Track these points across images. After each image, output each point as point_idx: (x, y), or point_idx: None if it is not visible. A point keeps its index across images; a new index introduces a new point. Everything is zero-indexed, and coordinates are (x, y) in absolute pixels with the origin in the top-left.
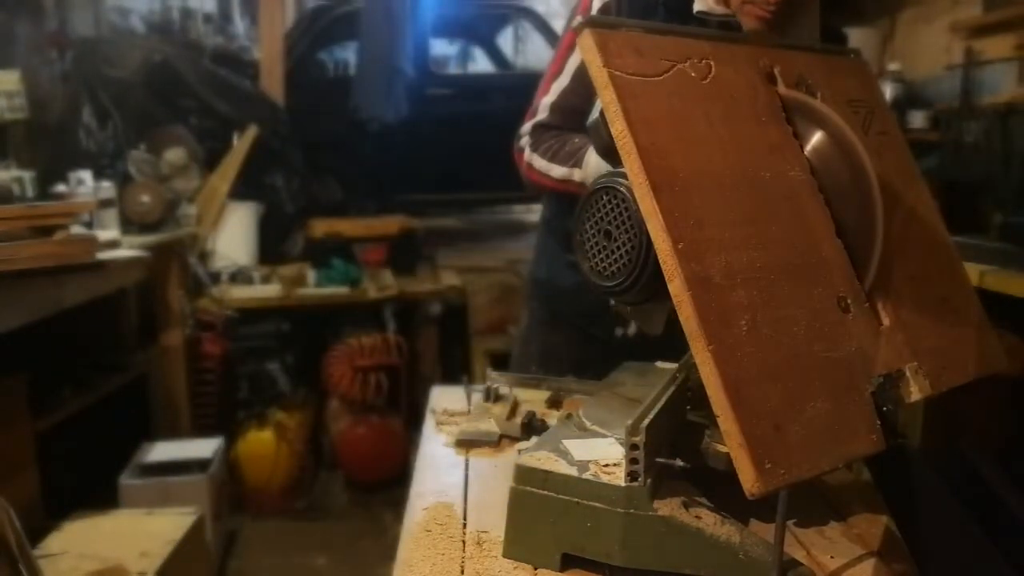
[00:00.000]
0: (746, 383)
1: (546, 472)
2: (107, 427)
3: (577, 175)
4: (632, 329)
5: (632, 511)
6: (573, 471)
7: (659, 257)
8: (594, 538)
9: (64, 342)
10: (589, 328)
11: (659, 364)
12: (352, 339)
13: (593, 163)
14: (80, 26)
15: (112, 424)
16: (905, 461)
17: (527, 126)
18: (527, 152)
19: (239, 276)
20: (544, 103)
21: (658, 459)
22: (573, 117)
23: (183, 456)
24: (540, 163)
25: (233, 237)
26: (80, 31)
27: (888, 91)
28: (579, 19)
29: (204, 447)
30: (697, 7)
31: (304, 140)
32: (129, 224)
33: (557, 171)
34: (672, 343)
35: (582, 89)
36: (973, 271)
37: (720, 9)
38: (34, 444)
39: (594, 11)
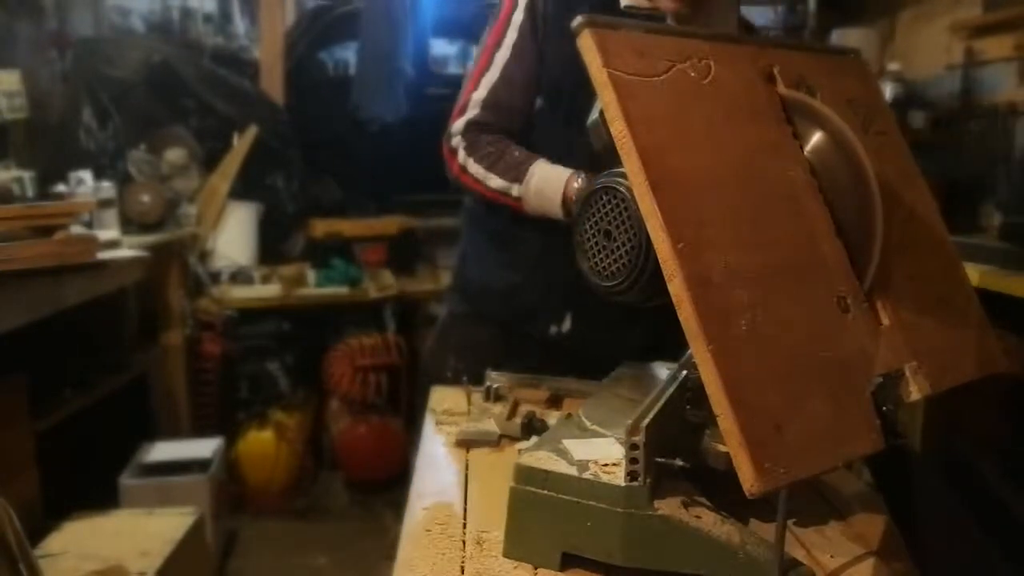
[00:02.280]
0: (746, 383)
1: (546, 472)
2: (107, 427)
3: (516, 191)
4: (567, 326)
5: (632, 511)
6: (573, 471)
7: (659, 257)
8: (594, 538)
9: (64, 342)
10: (523, 327)
11: (658, 364)
12: (352, 339)
13: (536, 184)
14: (80, 26)
15: (112, 424)
16: (905, 461)
17: (459, 124)
18: (461, 154)
19: (239, 276)
20: (475, 99)
21: (658, 459)
22: (506, 114)
23: (183, 456)
24: (476, 169)
25: (233, 237)
26: (80, 31)
27: (888, 91)
28: (520, 12)
29: (204, 447)
30: (624, 1)
31: (304, 140)
32: (129, 224)
33: (495, 182)
34: (609, 337)
35: (512, 86)
36: (973, 271)
37: (646, 3)
38: (34, 444)
39: (520, 8)
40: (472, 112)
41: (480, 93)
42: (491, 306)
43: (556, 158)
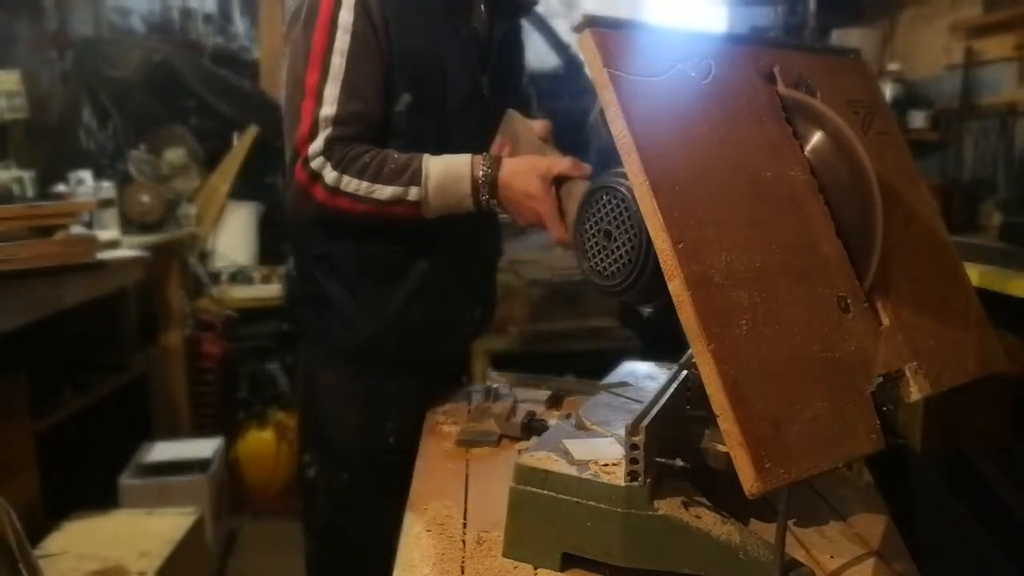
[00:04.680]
0: (746, 383)
1: (546, 472)
2: (107, 427)
3: (413, 194)
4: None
5: (632, 511)
6: (573, 471)
7: (659, 257)
8: (594, 538)
9: (64, 342)
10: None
11: (659, 364)
12: None
13: (435, 179)
14: (80, 26)
15: (112, 424)
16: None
17: (316, 146)
18: (330, 176)
19: (239, 276)
20: (324, 116)
21: (658, 459)
22: (364, 124)
23: (183, 456)
24: (357, 185)
25: (233, 237)
26: (80, 31)
27: (888, 91)
28: (347, 12)
29: (204, 447)
30: None
31: None
32: (129, 224)
33: (384, 192)
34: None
35: (359, 93)
36: (973, 271)
37: None
38: (34, 444)
39: (346, 7)
40: (327, 131)
41: (328, 109)
42: (398, 349)
43: (434, 152)
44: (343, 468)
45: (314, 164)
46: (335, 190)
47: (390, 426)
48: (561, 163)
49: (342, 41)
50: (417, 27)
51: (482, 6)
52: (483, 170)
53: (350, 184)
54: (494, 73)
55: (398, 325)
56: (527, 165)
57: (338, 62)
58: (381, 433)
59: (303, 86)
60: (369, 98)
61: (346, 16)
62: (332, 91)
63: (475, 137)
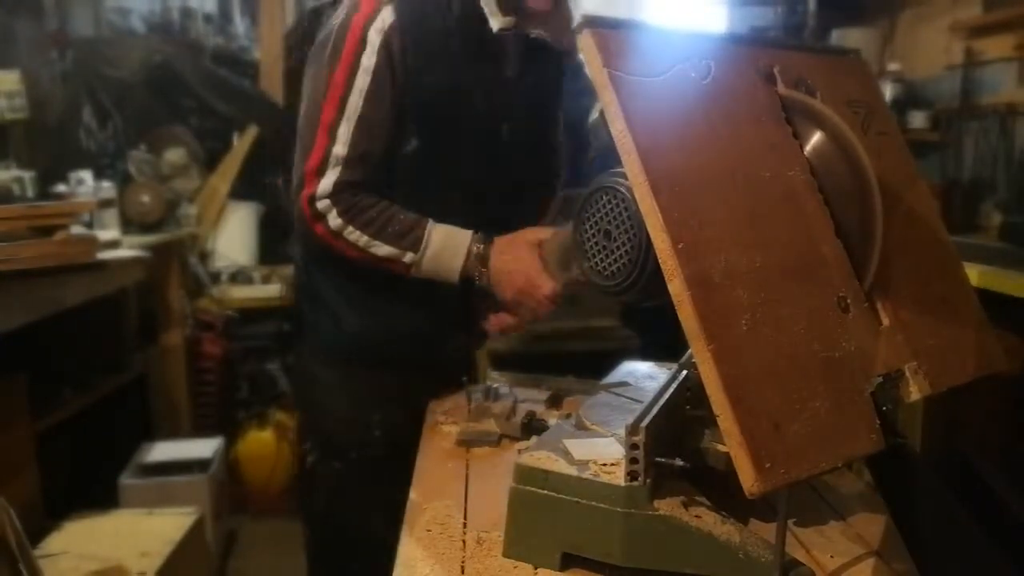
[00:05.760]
0: (746, 383)
1: (546, 472)
2: (107, 427)
3: (408, 258)
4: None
5: (632, 511)
6: (573, 471)
7: (659, 257)
8: (594, 537)
9: (64, 342)
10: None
11: (659, 364)
12: None
13: (434, 249)
14: (80, 26)
15: (112, 424)
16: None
17: (325, 185)
18: (335, 221)
19: (239, 276)
20: (336, 155)
21: (658, 459)
22: (371, 168)
23: (183, 456)
24: (357, 237)
25: (233, 237)
26: (80, 31)
27: (888, 91)
28: (371, 55)
29: (204, 447)
30: (496, 26)
31: None
32: (129, 224)
33: (382, 250)
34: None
35: (371, 135)
36: (973, 271)
37: (513, 21)
38: (34, 444)
39: (371, 39)
40: (336, 171)
41: (340, 149)
42: (385, 347)
43: (434, 198)
44: (336, 458)
45: (320, 205)
46: (337, 235)
47: (376, 419)
48: (543, 231)
49: (362, 82)
50: (440, 71)
51: (514, 52)
52: (478, 247)
53: (352, 234)
54: (519, 120)
55: (386, 325)
56: (516, 236)
57: (355, 102)
58: (368, 426)
59: (319, 119)
60: (377, 142)
61: (369, 59)
62: (346, 131)
63: (485, 180)
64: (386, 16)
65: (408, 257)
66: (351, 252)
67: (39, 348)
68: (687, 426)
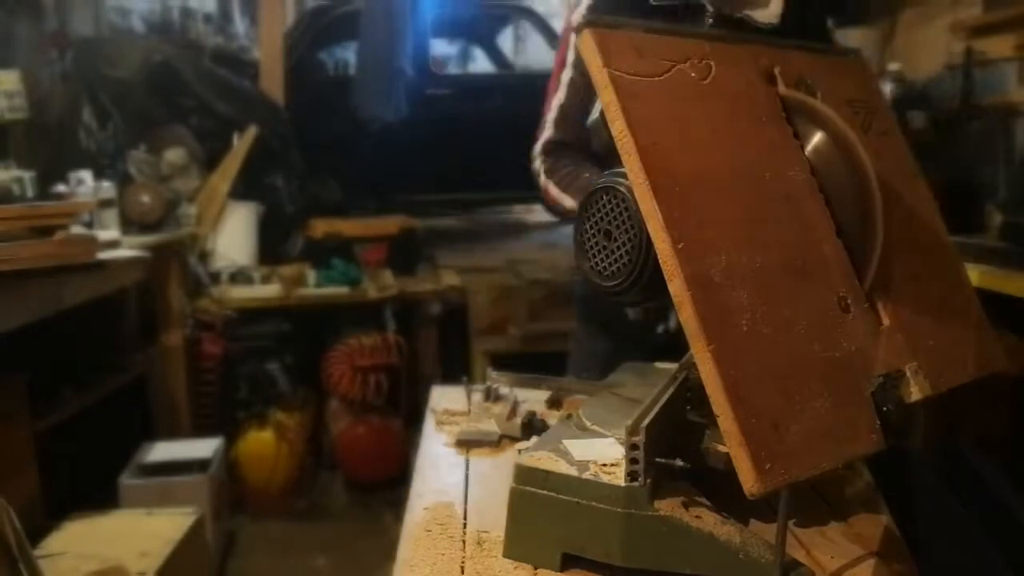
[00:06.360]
0: (746, 383)
1: (546, 472)
2: (107, 427)
3: None
4: (672, 323)
5: (632, 511)
6: (573, 471)
7: (659, 257)
8: (594, 538)
9: (64, 342)
10: (629, 329)
11: (659, 364)
12: (352, 339)
13: None
14: (80, 26)
15: (112, 424)
16: (905, 461)
17: (538, 147)
18: (543, 177)
19: (239, 276)
20: (548, 119)
21: (658, 459)
22: (575, 130)
23: (183, 456)
24: (555, 191)
25: (233, 237)
26: (80, 31)
27: (888, 91)
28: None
29: (204, 447)
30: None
31: (304, 140)
32: (129, 224)
33: (569, 202)
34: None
35: (576, 100)
36: (973, 271)
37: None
38: (34, 444)
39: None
40: (548, 132)
41: (552, 114)
42: (603, 317)
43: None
44: None
45: (536, 164)
46: (546, 191)
47: None
48: None
49: (567, 74)
50: None
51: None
52: None
53: (552, 189)
54: None
55: None
56: None
57: (566, 74)
58: None
59: (550, 88)
60: (583, 106)
61: (573, 53)
62: (558, 99)
63: None
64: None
65: None
66: (556, 206)
67: (39, 348)
68: (687, 426)
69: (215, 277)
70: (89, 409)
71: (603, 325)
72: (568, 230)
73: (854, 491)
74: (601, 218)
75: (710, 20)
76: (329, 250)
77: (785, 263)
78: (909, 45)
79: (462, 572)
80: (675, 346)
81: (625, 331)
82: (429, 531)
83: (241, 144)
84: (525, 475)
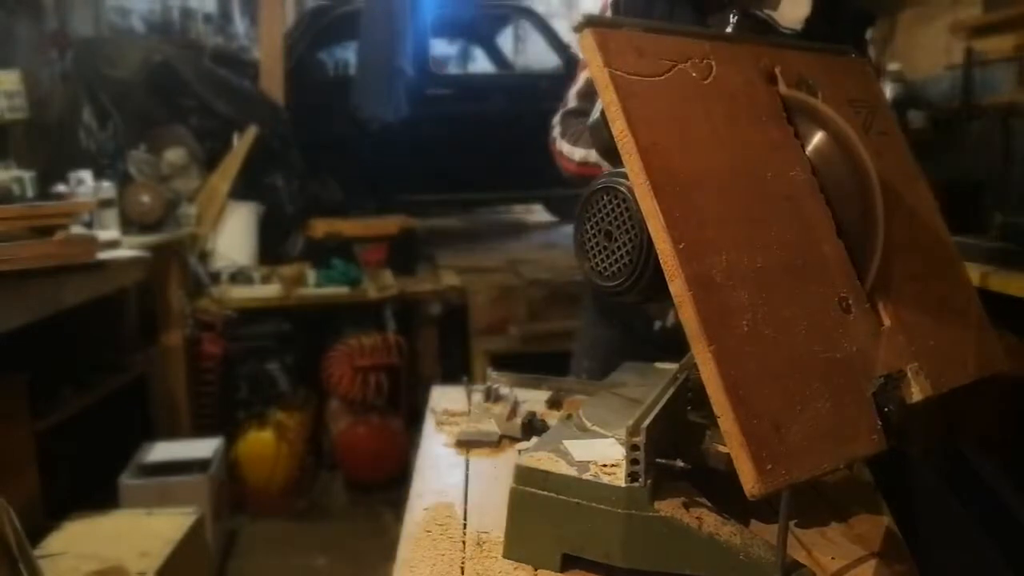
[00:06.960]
0: (747, 383)
1: (546, 473)
2: (107, 427)
3: (594, 156)
4: (670, 320)
5: (633, 512)
6: (573, 471)
7: (660, 257)
8: (594, 539)
9: (64, 342)
10: (632, 321)
11: (659, 364)
12: (352, 339)
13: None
14: (80, 26)
15: (112, 424)
16: (905, 461)
17: (557, 116)
18: (557, 140)
19: (239, 276)
20: (571, 92)
21: (659, 460)
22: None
23: (183, 456)
24: (565, 148)
25: (233, 237)
26: (80, 31)
27: (888, 91)
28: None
29: (204, 447)
30: None
31: (304, 140)
32: (129, 224)
33: (578, 153)
34: None
35: (591, 97)
36: (973, 271)
37: None
38: (34, 444)
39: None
40: (570, 104)
41: (576, 86)
42: (609, 305)
43: None
44: None
45: (554, 131)
46: (560, 153)
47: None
48: None
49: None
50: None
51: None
52: None
53: (564, 147)
54: None
55: None
56: None
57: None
58: None
59: (577, 69)
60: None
61: None
62: (585, 74)
63: None
64: None
65: (594, 156)
66: (567, 166)
67: (39, 348)
68: (688, 427)
69: (215, 277)
70: (89, 409)
71: (611, 312)
72: (568, 230)
73: (854, 491)
74: (602, 218)
75: (734, 17)
76: (329, 250)
77: (786, 263)
78: (909, 45)
79: (462, 572)
80: (673, 342)
81: (634, 319)
82: (429, 531)
83: (241, 144)
84: (525, 476)
